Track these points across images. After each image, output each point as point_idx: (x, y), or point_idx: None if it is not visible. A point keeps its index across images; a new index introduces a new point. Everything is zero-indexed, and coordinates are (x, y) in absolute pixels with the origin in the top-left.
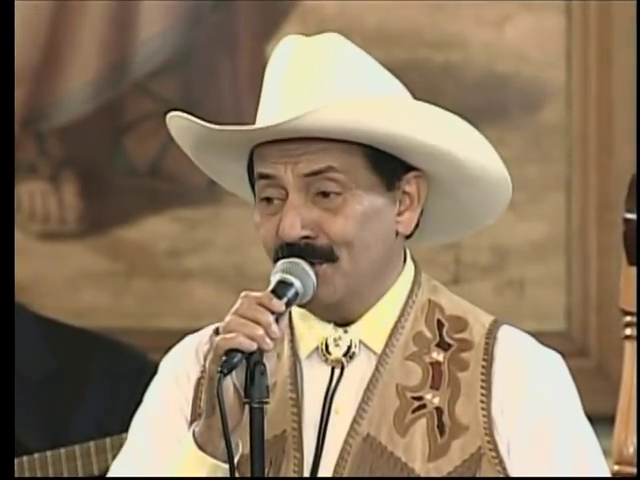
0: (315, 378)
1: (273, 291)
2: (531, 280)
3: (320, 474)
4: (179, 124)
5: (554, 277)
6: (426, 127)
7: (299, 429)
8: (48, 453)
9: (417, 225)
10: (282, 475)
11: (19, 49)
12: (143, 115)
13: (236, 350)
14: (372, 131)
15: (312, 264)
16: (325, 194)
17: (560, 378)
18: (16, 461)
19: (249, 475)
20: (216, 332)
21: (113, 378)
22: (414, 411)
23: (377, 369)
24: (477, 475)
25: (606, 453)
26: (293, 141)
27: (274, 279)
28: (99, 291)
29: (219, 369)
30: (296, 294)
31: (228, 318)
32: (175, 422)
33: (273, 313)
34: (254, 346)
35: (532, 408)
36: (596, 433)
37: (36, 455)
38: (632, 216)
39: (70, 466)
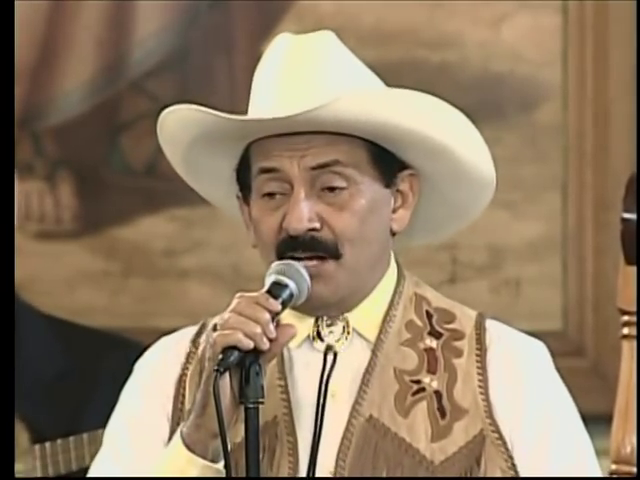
0: (307, 366)
1: (268, 292)
2: (527, 280)
3: (320, 456)
4: (184, 116)
5: (550, 277)
6: (435, 124)
7: (290, 414)
8: (70, 438)
9: None
10: (277, 460)
11: (15, 48)
12: (139, 114)
13: (233, 348)
14: (385, 123)
15: (313, 259)
16: (331, 189)
17: (550, 367)
18: (38, 447)
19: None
20: (214, 329)
21: (123, 377)
22: (414, 394)
23: (374, 354)
24: (482, 456)
25: (603, 453)
26: (298, 134)
27: (268, 280)
28: (95, 291)
29: (215, 367)
30: (291, 295)
31: (226, 315)
32: (156, 421)
33: (270, 312)
34: (251, 345)
35: (530, 398)
36: (593, 433)
37: (59, 441)
38: (630, 216)
39: (92, 451)
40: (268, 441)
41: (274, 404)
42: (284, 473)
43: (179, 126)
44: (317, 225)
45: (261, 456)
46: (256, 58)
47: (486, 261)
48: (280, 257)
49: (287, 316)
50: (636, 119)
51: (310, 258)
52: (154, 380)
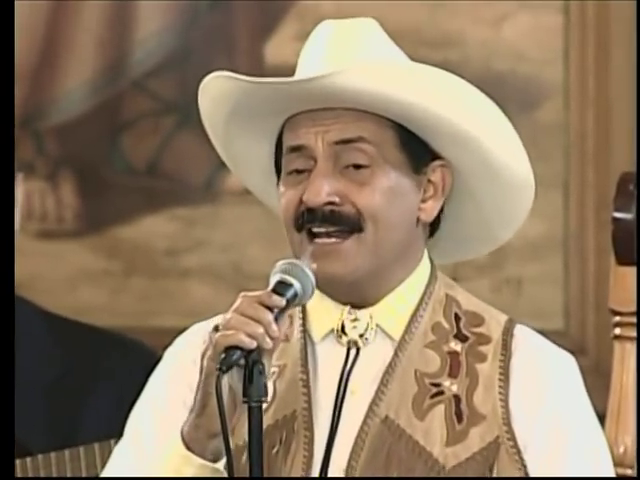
0: (330, 360)
1: (272, 291)
2: (529, 278)
3: (335, 453)
4: (215, 91)
5: (552, 275)
6: (461, 109)
7: (309, 409)
8: (52, 454)
9: (438, 223)
10: (292, 454)
11: (17, 48)
12: (141, 114)
13: (236, 347)
14: (406, 101)
15: (332, 235)
16: (354, 167)
17: (576, 380)
18: (19, 462)
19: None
20: (215, 329)
21: (123, 376)
22: (432, 397)
23: (396, 354)
24: (495, 464)
25: None
26: (326, 111)
27: (273, 279)
28: (97, 290)
29: (218, 366)
30: (295, 295)
31: (228, 315)
32: (177, 410)
33: (272, 310)
34: (254, 344)
35: (550, 410)
36: None
37: (40, 456)
38: (621, 215)
39: (74, 466)
40: (285, 435)
41: (295, 398)
42: (298, 468)
43: (212, 104)
44: (337, 199)
45: (276, 449)
46: (257, 58)
47: (487, 260)
48: (298, 230)
49: (314, 308)
50: (637, 118)
51: (329, 234)
52: (179, 368)
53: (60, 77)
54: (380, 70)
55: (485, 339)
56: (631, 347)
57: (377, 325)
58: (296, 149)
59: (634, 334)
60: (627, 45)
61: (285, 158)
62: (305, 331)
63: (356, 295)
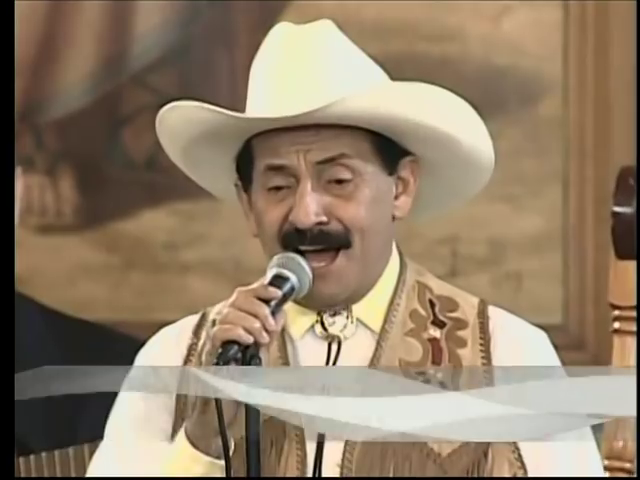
0: (312, 356)
1: (269, 284)
2: (528, 273)
3: (327, 450)
4: (187, 114)
5: (551, 270)
6: (444, 118)
7: None
8: (56, 452)
9: None
10: (285, 455)
11: (17, 42)
12: (140, 108)
13: (233, 342)
14: (394, 118)
15: (322, 252)
16: (337, 181)
17: (553, 355)
18: (22, 460)
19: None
20: (213, 324)
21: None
22: None
23: (379, 344)
24: (489, 449)
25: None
26: (304, 128)
27: (270, 273)
28: (96, 284)
29: (215, 361)
30: (292, 288)
31: (225, 310)
32: (159, 415)
33: (269, 303)
34: (251, 339)
35: None
36: (591, 427)
37: (43, 454)
38: (621, 209)
39: (78, 465)
40: (276, 436)
41: None
42: (292, 468)
43: (181, 122)
44: (324, 219)
45: (270, 450)
46: (256, 53)
47: (487, 255)
48: (285, 248)
49: (289, 310)
50: (636, 112)
51: (318, 251)
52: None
53: (60, 71)
54: (368, 96)
55: (462, 324)
56: (631, 341)
57: (357, 318)
58: (277, 168)
59: (634, 328)
60: (626, 40)
61: (263, 175)
62: (283, 329)
63: (341, 303)
